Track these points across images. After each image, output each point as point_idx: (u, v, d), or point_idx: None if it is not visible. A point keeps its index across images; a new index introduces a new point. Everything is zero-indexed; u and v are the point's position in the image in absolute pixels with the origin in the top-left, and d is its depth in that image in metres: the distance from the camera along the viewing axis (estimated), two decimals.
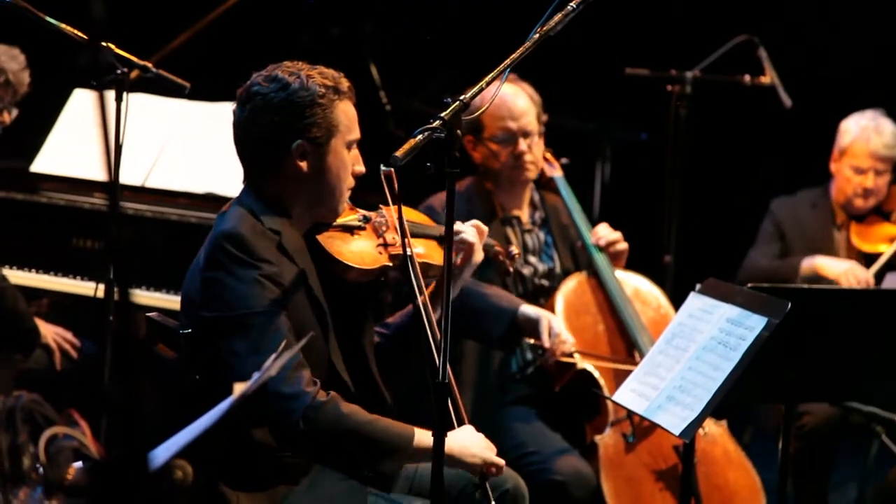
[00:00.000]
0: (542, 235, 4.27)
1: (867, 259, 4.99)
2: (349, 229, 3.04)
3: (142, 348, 3.65)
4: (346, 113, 2.96)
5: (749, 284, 3.24)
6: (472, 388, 4.09)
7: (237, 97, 3.00)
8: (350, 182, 3.01)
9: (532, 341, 3.94)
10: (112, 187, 1.23)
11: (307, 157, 2.94)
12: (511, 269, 3.43)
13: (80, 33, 3.48)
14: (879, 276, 4.89)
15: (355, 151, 3.02)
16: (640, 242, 4.49)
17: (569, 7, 2.83)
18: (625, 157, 6.16)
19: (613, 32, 6.31)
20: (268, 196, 2.97)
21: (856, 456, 4.93)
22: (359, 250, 3.02)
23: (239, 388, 2.08)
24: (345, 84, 2.97)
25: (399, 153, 2.67)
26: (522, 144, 4.10)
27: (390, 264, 3.03)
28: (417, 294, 2.98)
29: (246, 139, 2.99)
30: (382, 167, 2.88)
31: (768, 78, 5.35)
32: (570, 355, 3.94)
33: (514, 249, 3.38)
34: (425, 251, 3.14)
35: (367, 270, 3.00)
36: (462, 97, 2.72)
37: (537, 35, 2.82)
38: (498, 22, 4.71)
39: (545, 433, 4.06)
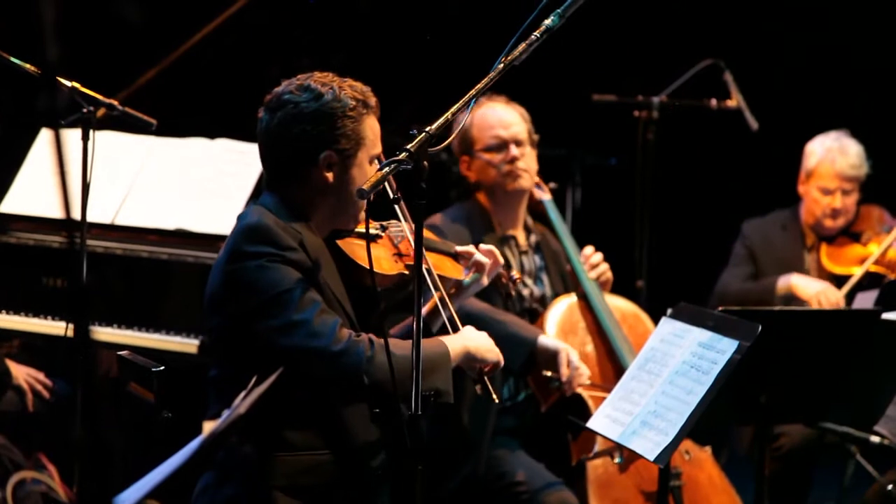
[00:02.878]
0: (536, 259, 4.33)
1: (838, 281, 5.01)
2: (366, 237, 3.06)
3: (106, 387, 3.62)
4: (372, 128, 3.02)
5: (720, 307, 3.25)
6: (470, 417, 4.09)
7: (265, 103, 3.02)
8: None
9: (549, 373, 3.94)
10: (68, 225, 1.22)
11: (333, 168, 2.98)
12: (513, 293, 3.46)
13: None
14: (850, 297, 4.91)
15: (376, 165, 3.05)
16: (612, 267, 4.50)
17: (532, 36, 2.84)
18: (595, 182, 6.18)
19: (580, 59, 6.34)
20: (290, 201, 3.00)
21: (833, 476, 4.94)
22: (377, 257, 3.05)
23: (208, 426, 2.07)
24: (373, 99, 3.03)
25: (366, 185, 2.68)
26: (514, 150, 4.22)
27: (406, 273, 3.08)
28: (439, 302, 3.07)
29: (274, 146, 3.01)
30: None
31: (734, 101, 5.39)
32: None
33: (516, 274, 3.40)
34: (437, 265, 3.18)
35: (386, 276, 3.05)
36: (428, 128, 2.73)
37: (502, 65, 2.83)
38: (464, 51, 4.72)
39: (530, 463, 4.06)
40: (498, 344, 3.64)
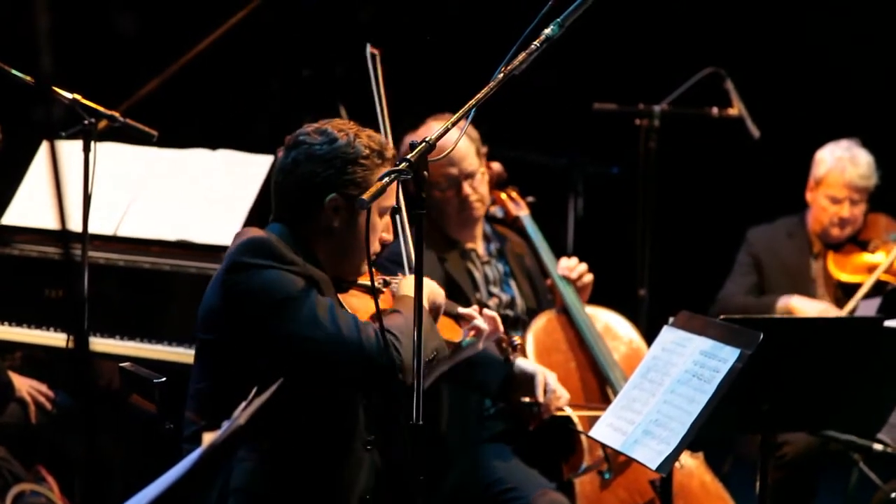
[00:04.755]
0: (500, 266, 4.31)
1: (845, 288, 5.00)
2: (369, 290, 3.04)
3: (108, 399, 3.61)
4: None
5: (721, 316, 3.24)
6: (450, 424, 4.08)
7: (285, 144, 3.02)
8: (376, 247, 3.04)
9: (527, 399, 3.86)
10: (65, 237, 1.22)
11: (339, 213, 2.96)
12: (512, 358, 3.43)
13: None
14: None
15: (387, 219, 3.05)
16: (614, 277, 4.49)
17: (532, 46, 2.84)
18: (597, 191, 6.18)
19: (581, 68, 6.34)
20: (295, 235, 2.98)
21: (836, 484, 4.93)
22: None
23: (208, 437, 2.06)
24: (390, 152, 3.02)
25: (366, 196, 2.68)
26: (467, 188, 4.14)
27: None
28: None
29: (284, 183, 3.01)
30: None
31: (736, 109, 5.39)
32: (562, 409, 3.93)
33: (517, 339, 3.38)
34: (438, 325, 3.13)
35: None
36: (428, 138, 2.73)
37: (501, 74, 2.82)
38: (464, 61, 4.73)
39: (523, 469, 4.04)
40: (475, 366, 3.61)
